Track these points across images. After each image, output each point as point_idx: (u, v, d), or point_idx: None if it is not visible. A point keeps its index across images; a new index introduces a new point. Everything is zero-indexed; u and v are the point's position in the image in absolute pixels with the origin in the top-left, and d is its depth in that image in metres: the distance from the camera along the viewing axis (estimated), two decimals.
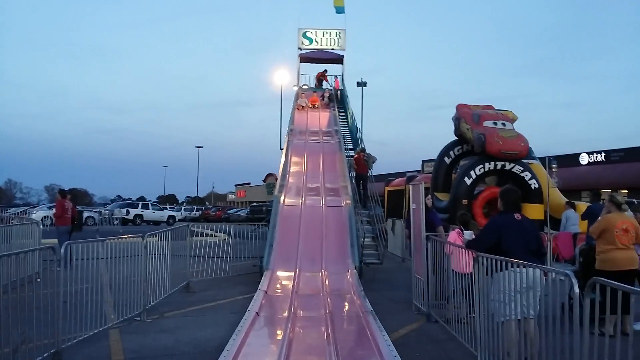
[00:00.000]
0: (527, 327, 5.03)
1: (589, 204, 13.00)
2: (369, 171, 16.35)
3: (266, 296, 8.63)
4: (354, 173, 16.26)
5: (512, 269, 4.93)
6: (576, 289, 3.80)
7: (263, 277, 9.92)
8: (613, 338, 3.47)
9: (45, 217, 27.05)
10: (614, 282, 3.41)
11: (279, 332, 6.74)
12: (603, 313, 4.00)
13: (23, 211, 29.16)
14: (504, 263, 5.01)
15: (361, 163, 16.20)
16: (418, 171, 40.37)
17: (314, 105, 23.27)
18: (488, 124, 15.72)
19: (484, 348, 5.29)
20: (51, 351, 5.42)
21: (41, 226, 12.71)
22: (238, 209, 56.12)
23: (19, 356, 5.04)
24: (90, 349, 6.04)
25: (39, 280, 8.07)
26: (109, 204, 50.66)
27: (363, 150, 16.98)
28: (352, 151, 18.12)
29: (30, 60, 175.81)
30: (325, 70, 26.88)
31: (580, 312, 3.55)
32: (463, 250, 6.92)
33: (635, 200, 14.78)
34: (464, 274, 6.76)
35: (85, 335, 6.08)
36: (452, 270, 7.27)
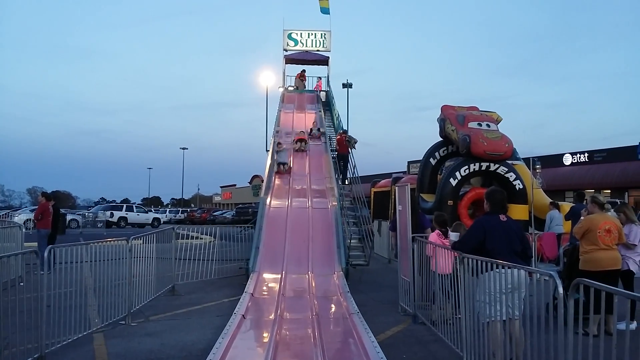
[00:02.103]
0: (512, 327, 5.07)
1: (572, 204, 13.16)
2: (350, 152, 17.04)
3: (252, 299, 8.59)
4: (336, 153, 17.29)
5: (497, 270, 4.97)
6: (560, 290, 3.84)
7: (249, 279, 9.88)
8: (597, 338, 3.50)
9: (27, 220, 26.70)
10: (597, 283, 3.45)
11: (265, 334, 6.72)
12: (587, 313, 4.05)
13: (5, 214, 28.77)
14: (489, 264, 5.05)
15: (343, 144, 17.09)
16: (404, 172, 40.57)
17: (301, 144, 17.68)
18: (473, 125, 15.85)
19: (470, 349, 5.32)
20: (35, 356, 5.35)
21: (24, 229, 12.54)
22: (224, 211, 55.91)
23: None
24: (74, 353, 5.97)
25: (22, 284, 7.97)
26: (93, 207, 50.14)
27: (345, 132, 18.01)
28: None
29: (11, 61, 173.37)
30: (304, 71, 26.80)
31: (565, 312, 3.58)
32: (443, 251, 7.00)
33: (618, 201, 14.99)
34: (445, 275, 6.83)
35: (69, 340, 6.01)
36: (433, 271, 7.37)
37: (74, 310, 6.17)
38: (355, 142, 17.38)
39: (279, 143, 16.56)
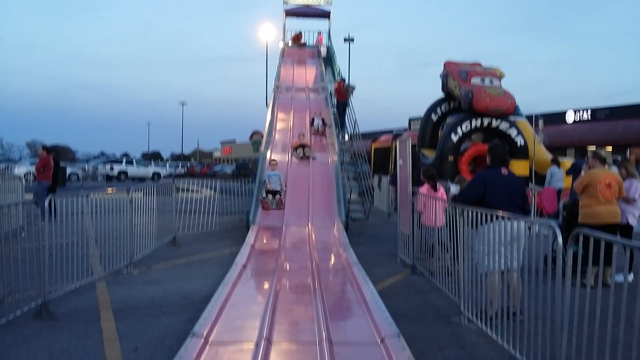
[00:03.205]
0: (510, 278, 5.13)
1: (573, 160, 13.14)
2: (349, 99, 17.09)
3: (253, 250, 8.68)
4: (335, 101, 17.19)
5: (497, 222, 4.98)
6: (560, 240, 3.85)
7: (249, 231, 9.96)
8: (594, 289, 3.53)
9: (27, 172, 26.71)
10: (596, 232, 3.45)
11: (265, 283, 6.81)
12: (585, 265, 4.07)
13: (5, 167, 28.78)
14: (489, 216, 5.06)
15: (341, 92, 17.06)
16: (405, 129, 40.35)
17: (304, 150, 13.48)
18: (476, 81, 15.69)
19: (467, 298, 5.39)
20: (39, 302, 5.42)
21: (24, 182, 12.56)
22: (224, 166, 55.88)
23: (6, 307, 5.04)
24: (77, 300, 6.07)
25: (23, 234, 8.03)
26: (92, 161, 50.12)
27: (343, 80, 18.10)
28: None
29: (9, 13, 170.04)
30: (300, 33, 26.21)
31: (563, 264, 3.60)
32: (433, 205, 7.06)
33: (619, 157, 14.94)
34: (441, 228, 6.91)
35: (72, 287, 6.08)
36: (424, 225, 7.46)
37: (76, 260, 6.22)
38: (353, 89, 17.40)
39: (272, 161, 12.06)
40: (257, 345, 4.24)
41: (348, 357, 4.16)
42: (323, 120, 15.35)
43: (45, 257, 5.52)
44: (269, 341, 4.36)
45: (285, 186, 11.48)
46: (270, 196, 10.78)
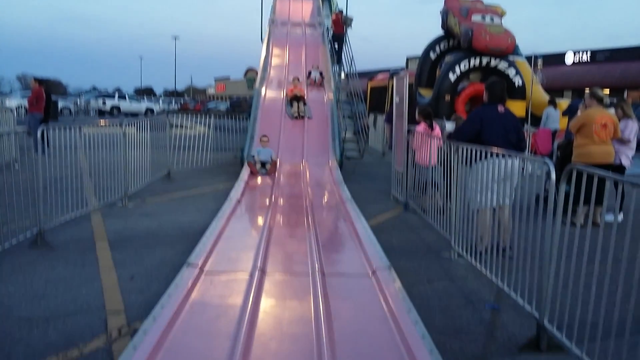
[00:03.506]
0: (501, 215, 5.19)
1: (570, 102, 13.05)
2: (346, 32, 16.82)
3: (247, 185, 8.72)
4: (332, 33, 16.93)
5: (491, 159, 4.99)
6: (552, 176, 3.87)
7: (244, 168, 9.97)
8: (584, 228, 3.58)
9: (19, 106, 26.31)
10: (589, 167, 3.46)
11: (259, 218, 6.88)
12: (576, 205, 4.10)
13: None
14: (482, 153, 5.06)
15: (339, 24, 16.78)
16: (402, 68, 39.74)
17: (299, 106, 12.19)
18: (476, 18, 15.35)
19: (458, 234, 5.48)
20: (34, 232, 5.47)
21: (15, 114, 12.41)
22: (218, 102, 55.22)
23: (2, 236, 5.08)
24: (73, 230, 6.13)
25: (17, 166, 8.01)
26: (84, 95, 49.35)
27: (341, 11, 17.65)
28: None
29: None
30: None
31: (555, 200, 3.63)
32: (427, 144, 7.06)
33: (614, 100, 14.86)
34: (434, 166, 6.96)
35: (67, 218, 6.13)
36: (416, 163, 7.49)
37: (70, 192, 6.22)
38: (351, 21, 17.03)
39: (262, 137, 10.10)
40: (251, 275, 4.33)
41: (340, 287, 4.26)
42: (321, 72, 14.31)
43: (39, 188, 5.52)
44: (262, 271, 4.45)
45: (278, 159, 10.03)
46: (259, 165, 9.34)
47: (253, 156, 9.59)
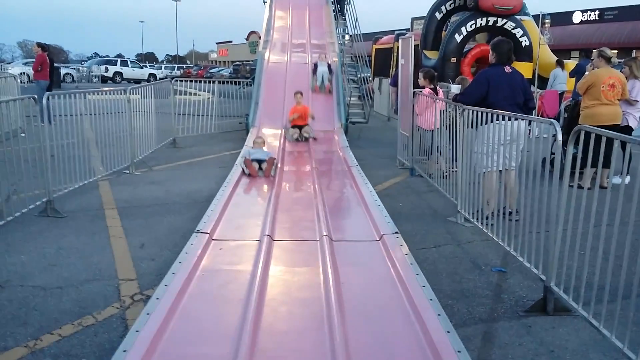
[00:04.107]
0: (507, 178, 5.18)
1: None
2: None
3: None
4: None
5: (497, 122, 4.95)
6: (559, 137, 3.85)
7: (249, 134, 9.95)
8: (591, 190, 3.57)
9: (21, 73, 26.14)
10: (597, 128, 3.42)
11: (266, 185, 6.89)
12: (583, 168, 4.09)
13: None
14: (489, 115, 5.01)
15: None
16: (407, 29, 39.08)
17: (300, 132, 9.72)
18: None
19: (464, 198, 5.49)
20: (43, 200, 5.52)
21: (19, 81, 12.30)
22: (221, 68, 54.74)
23: (12, 205, 5.14)
24: (81, 198, 6.18)
25: (23, 134, 8.01)
26: (86, 61, 48.95)
27: None
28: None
29: None
30: None
31: (562, 161, 3.62)
32: (433, 108, 7.01)
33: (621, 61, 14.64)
34: (438, 129, 6.92)
35: (76, 186, 6.16)
36: (419, 127, 7.45)
37: (77, 160, 6.24)
38: None
39: (257, 139, 7.92)
40: (260, 241, 4.37)
41: (348, 252, 4.30)
42: (329, 66, 11.59)
43: (47, 157, 5.54)
44: (271, 238, 4.49)
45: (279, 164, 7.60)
46: (256, 163, 7.07)
47: (245, 158, 7.23)
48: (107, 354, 2.87)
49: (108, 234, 5.05)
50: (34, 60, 13.61)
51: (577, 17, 32.51)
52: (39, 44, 13.05)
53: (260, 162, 7.09)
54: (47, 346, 3.04)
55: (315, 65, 11.80)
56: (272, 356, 2.74)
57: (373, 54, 21.09)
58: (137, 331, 2.80)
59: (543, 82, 14.03)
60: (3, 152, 5.27)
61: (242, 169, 7.01)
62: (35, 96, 5.58)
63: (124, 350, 2.60)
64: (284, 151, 8.85)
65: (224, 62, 79.41)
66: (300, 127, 9.69)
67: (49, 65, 12.49)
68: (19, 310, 3.46)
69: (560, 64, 13.50)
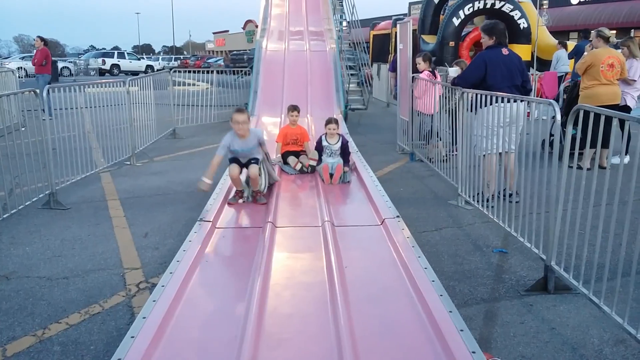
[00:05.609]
0: (507, 160, 5.20)
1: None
2: None
3: None
4: None
5: (496, 104, 4.96)
6: (558, 118, 3.87)
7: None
8: (590, 171, 3.59)
9: (19, 67, 26.08)
10: (597, 107, 3.44)
11: None
12: (582, 149, 4.10)
13: None
14: (487, 98, 5.02)
15: None
16: (404, 14, 38.84)
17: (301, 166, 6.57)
18: None
19: (465, 181, 5.51)
20: (46, 192, 5.55)
21: (17, 74, 12.27)
22: (218, 58, 54.53)
23: (15, 198, 5.17)
24: (84, 190, 6.22)
25: (23, 129, 8.03)
26: (83, 54, 48.74)
27: None
28: None
29: None
30: None
31: (561, 140, 3.64)
32: (432, 91, 7.01)
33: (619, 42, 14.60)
34: (436, 113, 6.93)
35: (78, 178, 6.19)
36: (418, 111, 7.45)
37: (79, 153, 6.26)
38: None
39: (237, 120, 5.56)
40: (263, 228, 4.41)
41: (350, 237, 4.34)
42: (336, 120, 6.66)
43: (49, 150, 5.56)
44: (273, 224, 4.52)
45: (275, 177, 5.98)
46: (237, 167, 5.35)
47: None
48: (115, 340, 2.92)
49: (111, 225, 5.08)
50: (31, 54, 13.54)
51: None
52: (41, 38, 12.93)
53: (242, 165, 5.32)
54: (55, 334, 3.09)
55: (319, 143, 6.58)
56: (278, 339, 2.78)
57: (371, 40, 21.03)
58: (144, 318, 2.84)
59: (542, 64, 13.99)
60: (5, 146, 5.30)
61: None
62: (36, 90, 5.57)
63: (132, 337, 2.65)
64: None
65: (221, 52, 79.06)
66: (296, 154, 6.80)
67: (49, 60, 12.43)
68: (25, 301, 3.50)
69: (563, 45, 13.46)
